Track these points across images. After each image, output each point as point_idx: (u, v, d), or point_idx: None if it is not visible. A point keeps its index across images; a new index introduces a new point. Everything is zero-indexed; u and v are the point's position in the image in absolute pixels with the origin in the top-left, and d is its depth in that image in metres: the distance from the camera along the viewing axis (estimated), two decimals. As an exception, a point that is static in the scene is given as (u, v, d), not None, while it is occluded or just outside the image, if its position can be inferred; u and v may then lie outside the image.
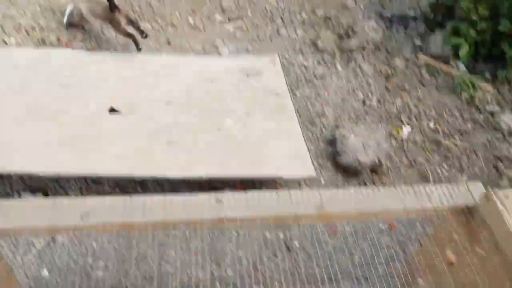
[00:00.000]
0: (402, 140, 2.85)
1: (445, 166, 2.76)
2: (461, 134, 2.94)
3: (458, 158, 2.80)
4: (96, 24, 3.16)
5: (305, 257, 2.18)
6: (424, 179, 2.68)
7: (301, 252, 2.20)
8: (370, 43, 3.41)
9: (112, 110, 2.49)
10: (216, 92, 2.73)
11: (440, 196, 1.41)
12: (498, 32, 3.12)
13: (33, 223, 1.22)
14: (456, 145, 2.86)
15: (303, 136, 2.54)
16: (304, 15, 3.72)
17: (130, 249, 2.07)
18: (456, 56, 3.26)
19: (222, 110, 2.60)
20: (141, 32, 3.03)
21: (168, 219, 1.28)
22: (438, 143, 2.87)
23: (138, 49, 3.00)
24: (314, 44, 3.43)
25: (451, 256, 1.47)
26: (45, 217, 1.22)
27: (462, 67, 3.27)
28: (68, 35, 3.19)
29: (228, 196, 1.33)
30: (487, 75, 3.27)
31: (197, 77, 2.82)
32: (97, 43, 3.19)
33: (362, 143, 2.61)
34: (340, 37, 3.46)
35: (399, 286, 1.55)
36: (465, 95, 3.13)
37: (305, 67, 3.24)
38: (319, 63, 3.29)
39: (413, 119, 2.99)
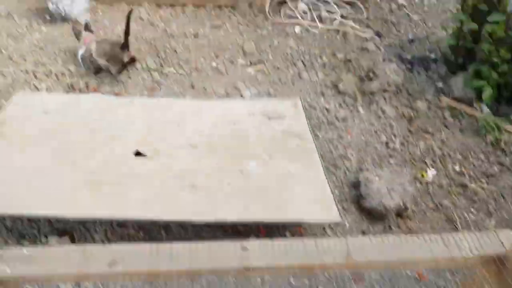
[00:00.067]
0: (427, 183, 2.81)
1: (472, 210, 2.70)
2: (488, 177, 2.88)
3: (485, 202, 2.74)
4: (103, 63, 3.29)
5: (330, 305, 2.13)
6: (451, 223, 2.62)
7: (326, 300, 2.15)
8: (391, 86, 3.42)
9: (138, 153, 2.54)
10: (239, 135, 2.76)
11: (469, 244, 1.38)
12: (520, 74, 3.11)
13: (62, 271, 1.24)
14: (483, 188, 2.81)
15: (327, 179, 2.53)
16: (324, 58, 3.79)
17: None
18: (479, 98, 3.25)
19: (245, 154, 2.62)
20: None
21: (194, 267, 1.28)
22: (464, 186, 2.81)
23: (118, 72, 3.32)
24: (335, 86, 3.46)
25: (483, 308, 1.42)
26: (74, 264, 1.24)
27: (485, 109, 3.24)
28: (96, 80, 3.32)
29: (254, 244, 1.33)
30: (512, 117, 3.24)
31: (220, 121, 2.87)
32: (123, 87, 3.30)
33: (386, 187, 2.58)
34: (361, 79, 3.50)
35: None
36: (490, 137, 3.09)
37: (327, 110, 3.26)
38: (340, 105, 3.32)
39: (438, 162, 2.96)
